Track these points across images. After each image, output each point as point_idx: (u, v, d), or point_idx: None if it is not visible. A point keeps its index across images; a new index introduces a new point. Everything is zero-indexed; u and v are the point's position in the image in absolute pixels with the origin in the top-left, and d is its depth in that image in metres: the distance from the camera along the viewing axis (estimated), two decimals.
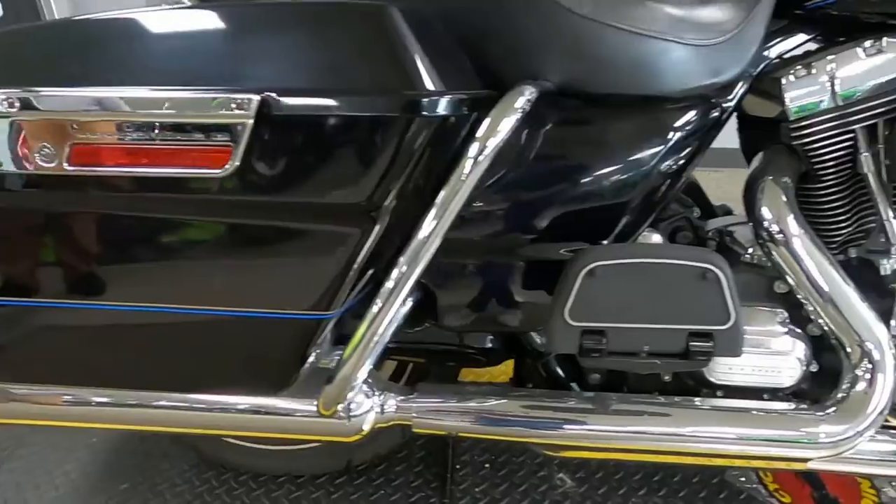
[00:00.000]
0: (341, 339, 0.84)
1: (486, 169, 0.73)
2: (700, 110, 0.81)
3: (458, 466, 1.17)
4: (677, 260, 0.72)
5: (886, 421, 0.90)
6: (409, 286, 0.61)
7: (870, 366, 0.81)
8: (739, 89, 0.83)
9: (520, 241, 0.80)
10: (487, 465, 1.17)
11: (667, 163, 0.81)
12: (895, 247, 0.85)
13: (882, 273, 0.85)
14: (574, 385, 0.93)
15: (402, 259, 0.61)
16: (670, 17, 0.76)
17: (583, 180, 0.82)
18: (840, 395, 0.82)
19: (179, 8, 0.62)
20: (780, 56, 0.85)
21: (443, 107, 0.57)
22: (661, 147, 0.80)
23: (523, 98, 0.61)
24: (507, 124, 0.59)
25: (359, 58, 0.56)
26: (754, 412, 0.83)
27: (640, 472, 1.14)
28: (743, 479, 1.14)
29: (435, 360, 0.98)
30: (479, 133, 0.58)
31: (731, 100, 0.82)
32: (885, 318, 0.84)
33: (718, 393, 0.88)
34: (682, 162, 0.82)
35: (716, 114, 0.82)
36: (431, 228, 0.59)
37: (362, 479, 1.14)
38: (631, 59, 0.74)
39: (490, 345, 0.92)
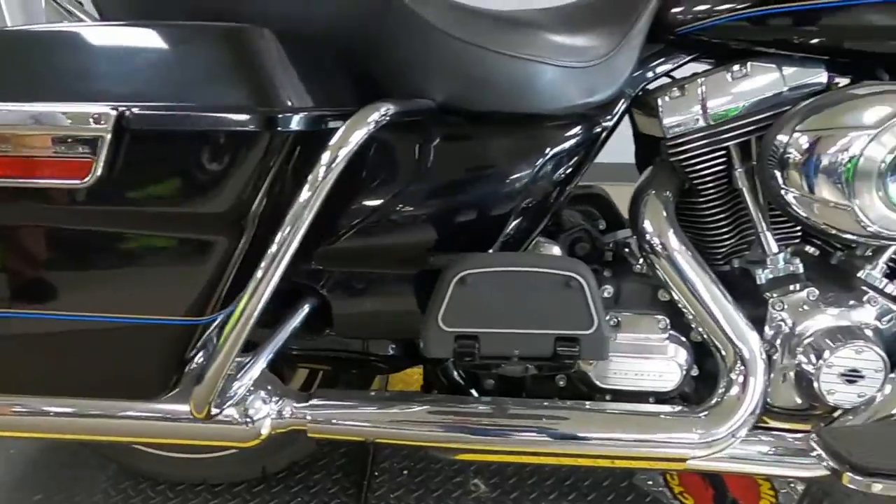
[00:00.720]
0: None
1: (374, 182, 0.77)
2: (578, 128, 0.86)
3: (376, 473, 1.20)
4: (543, 269, 0.76)
5: (765, 422, 0.96)
6: (267, 292, 0.64)
7: (742, 370, 0.86)
8: (619, 108, 0.89)
9: (407, 251, 0.83)
10: (405, 472, 1.20)
11: (548, 176, 0.85)
12: (770, 258, 0.90)
13: (758, 282, 0.91)
14: (474, 391, 0.97)
15: (261, 265, 0.64)
16: (545, 41, 0.81)
17: (466, 193, 0.86)
18: (716, 398, 0.87)
19: (47, 26, 0.65)
20: (659, 76, 0.91)
21: (297, 122, 0.60)
22: (541, 161, 0.85)
23: (377, 114, 0.64)
24: (355, 138, 0.62)
25: (217, 75, 0.59)
26: (635, 414, 0.87)
27: (553, 477, 1.18)
28: (650, 482, 1.18)
29: (340, 367, 1.01)
30: (330, 145, 0.62)
31: (609, 118, 0.88)
32: (760, 324, 0.90)
33: (608, 397, 0.93)
34: (563, 175, 0.87)
35: (595, 131, 0.87)
36: (286, 236, 0.62)
37: (280, 487, 1.16)
38: (507, 79, 0.78)
39: (391, 352, 0.95)
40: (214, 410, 0.68)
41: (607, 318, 0.90)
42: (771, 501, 1.14)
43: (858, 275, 0.90)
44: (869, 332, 0.86)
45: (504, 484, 1.17)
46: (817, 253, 0.97)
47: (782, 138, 0.80)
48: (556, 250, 0.95)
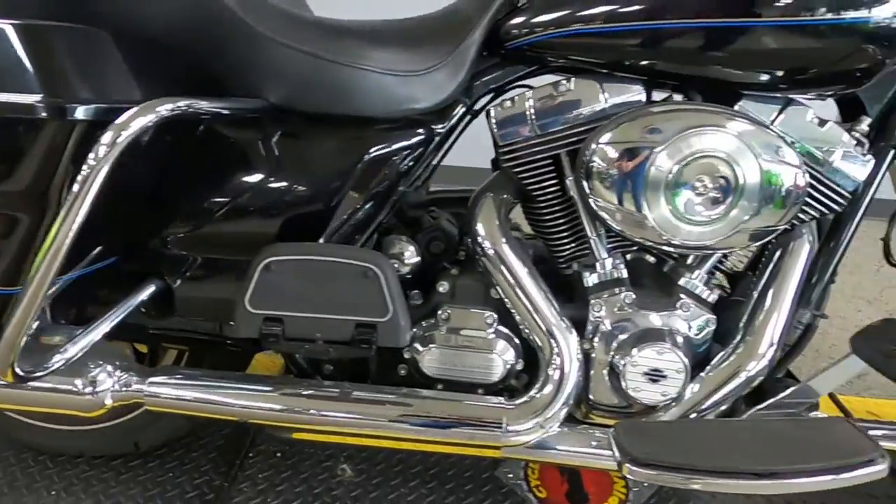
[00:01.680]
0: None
1: (212, 173, 0.83)
2: (409, 131, 0.91)
3: (251, 454, 1.25)
4: (342, 259, 0.82)
5: (591, 418, 1.01)
6: (54, 266, 0.70)
7: (558, 366, 0.91)
8: (455, 115, 0.95)
9: (242, 239, 0.89)
10: (279, 455, 1.25)
11: (379, 175, 0.91)
12: (599, 262, 0.96)
13: (585, 285, 0.96)
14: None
15: (44, 248, 0.70)
16: (370, 50, 0.87)
17: (299, 187, 0.92)
18: (532, 392, 0.92)
19: None
20: (498, 88, 0.97)
21: (83, 112, 0.66)
22: (371, 161, 0.91)
23: (163, 108, 0.70)
24: (132, 128, 0.68)
25: (22, 67, 0.65)
26: (451, 402, 0.92)
27: (419, 466, 1.23)
28: (511, 475, 1.23)
29: (199, 348, 1.06)
30: (103, 138, 0.68)
31: (443, 125, 0.93)
32: (583, 325, 0.95)
33: (439, 386, 0.98)
34: (396, 175, 0.92)
35: (428, 135, 0.93)
36: (66, 215, 0.68)
37: (156, 462, 1.22)
38: (332, 83, 0.85)
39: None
40: (20, 373, 0.74)
41: (441, 311, 0.97)
42: (621, 498, 1.19)
43: (680, 282, 0.95)
44: (675, 336, 0.91)
45: (371, 470, 1.22)
46: (654, 261, 1.03)
47: (589, 151, 0.85)
48: (410, 248, 1.02)
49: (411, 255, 1.02)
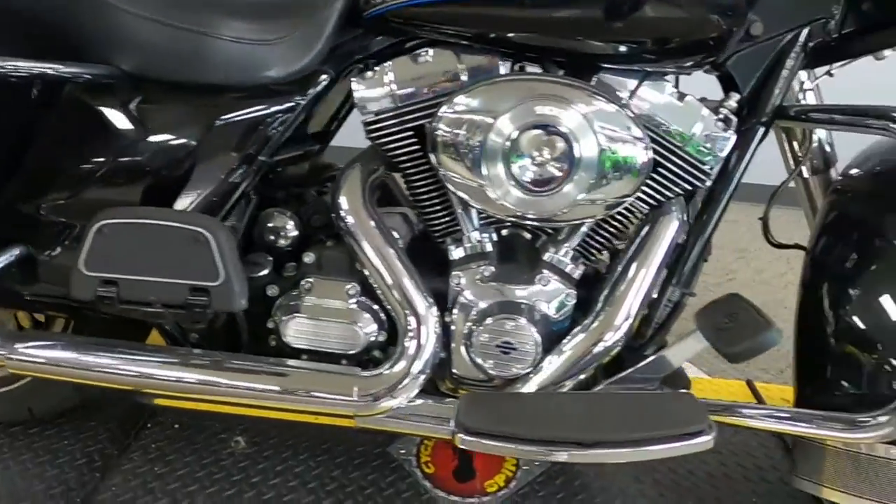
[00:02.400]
0: None
1: (71, 140, 0.84)
2: (265, 101, 0.91)
3: (149, 425, 1.27)
4: (173, 223, 0.82)
5: (459, 392, 1.01)
6: None
7: (413, 339, 0.91)
8: (319, 85, 0.94)
9: (99, 206, 0.90)
10: (177, 426, 1.27)
11: (234, 145, 0.91)
12: (466, 236, 0.96)
13: (450, 259, 0.96)
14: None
15: None
16: (220, 17, 0.87)
17: (152, 155, 0.92)
18: (387, 364, 0.92)
19: None
20: (365, 59, 0.97)
21: None
22: (225, 130, 0.91)
23: None
24: None
25: None
26: (311, 372, 0.93)
27: (311, 440, 1.24)
28: (403, 451, 1.24)
29: (81, 316, 1.08)
30: None
31: (304, 95, 0.93)
32: (444, 299, 0.95)
33: (304, 356, 0.99)
34: (253, 146, 0.93)
35: (289, 105, 0.93)
36: None
37: (54, 430, 1.24)
38: (179, 51, 0.85)
39: None
40: None
41: (304, 282, 0.97)
42: (508, 476, 1.19)
43: (544, 257, 0.95)
44: (530, 309, 0.91)
45: (264, 443, 1.23)
46: (529, 237, 1.02)
47: (434, 122, 0.85)
48: (291, 222, 1.02)
49: (291, 229, 1.03)
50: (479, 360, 0.91)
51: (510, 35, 0.87)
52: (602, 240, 0.99)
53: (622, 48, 0.85)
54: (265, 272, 0.99)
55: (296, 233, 1.02)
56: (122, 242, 0.82)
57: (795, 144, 1.09)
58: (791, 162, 1.09)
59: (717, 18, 0.82)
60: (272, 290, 0.98)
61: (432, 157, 0.91)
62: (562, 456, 0.76)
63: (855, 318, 0.90)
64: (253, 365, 0.91)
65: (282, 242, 1.02)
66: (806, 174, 1.12)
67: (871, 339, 0.88)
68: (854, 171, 1.03)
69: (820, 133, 1.07)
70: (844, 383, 0.91)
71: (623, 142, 0.81)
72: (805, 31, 0.91)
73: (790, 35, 0.91)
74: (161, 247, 0.82)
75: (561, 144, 0.81)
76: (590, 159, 0.81)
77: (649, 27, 0.84)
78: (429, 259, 0.98)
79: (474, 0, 0.86)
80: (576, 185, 0.82)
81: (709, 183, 0.93)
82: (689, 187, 0.92)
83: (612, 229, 0.98)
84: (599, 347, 0.90)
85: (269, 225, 1.02)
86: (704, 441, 0.76)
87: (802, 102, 1.03)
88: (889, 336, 0.87)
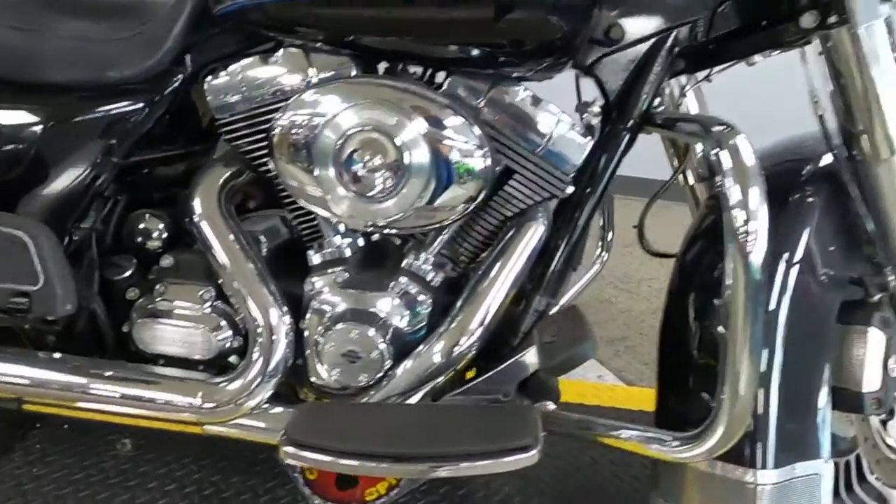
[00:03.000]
0: None
1: None
2: (118, 101, 0.89)
3: (38, 425, 1.26)
4: None
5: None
6: None
7: (263, 346, 0.89)
8: (172, 86, 0.92)
9: None
10: (66, 426, 1.25)
11: (81, 146, 0.90)
12: (326, 241, 0.94)
13: (310, 265, 0.94)
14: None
15: None
16: (63, 17, 0.86)
17: (22, 161, 0.90)
18: (236, 371, 0.91)
19: None
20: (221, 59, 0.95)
21: None
22: (72, 132, 0.89)
23: None
24: None
25: None
26: (159, 377, 0.91)
27: (198, 445, 1.22)
28: None
29: None
30: None
31: (158, 94, 0.91)
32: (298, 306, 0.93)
33: (161, 361, 0.97)
34: (107, 147, 0.90)
35: (139, 105, 0.91)
36: None
37: None
38: (25, 52, 0.84)
39: None
40: None
41: (159, 286, 0.96)
42: (391, 484, 1.16)
43: (403, 264, 0.93)
44: (379, 317, 0.89)
45: (150, 446, 1.21)
46: (399, 243, 1.00)
47: (274, 125, 0.83)
48: (160, 224, 1.00)
49: (161, 231, 1.01)
50: (328, 369, 0.89)
51: (355, 37, 0.84)
52: (470, 246, 0.97)
53: (469, 51, 0.83)
54: (126, 275, 0.97)
55: (165, 235, 1.01)
56: None
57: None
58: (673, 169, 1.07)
59: (559, 20, 0.79)
60: (132, 294, 0.97)
61: (271, 162, 0.89)
62: (377, 470, 0.74)
63: (717, 330, 0.88)
64: (97, 370, 0.89)
65: (151, 244, 1.00)
66: (691, 181, 1.10)
67: None
68: None
69: None
70: (704, 395, 0.88)
71: (458, 148, 0.79)
72: (671, 36, 0.89)
73: (654, 39, 0.89)
74: None
75: (392, 150, 0.78)
76: (421, 165, 0.78)
77: (494, 30, 0.81)
78: (298, 265, 0.97)
79: (321, 1, 0.84)
80: (410, 191, 0.80)
81: (569, 189, 0.91)
82: (547, 194, 0.89)
83: (477, 236, 0.95)
84: (452, 355, 0.88)
85: (138, 227, 1.00)
86: (527, 457, 0.73)
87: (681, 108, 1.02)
88: None
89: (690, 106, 1.07)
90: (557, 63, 0.86)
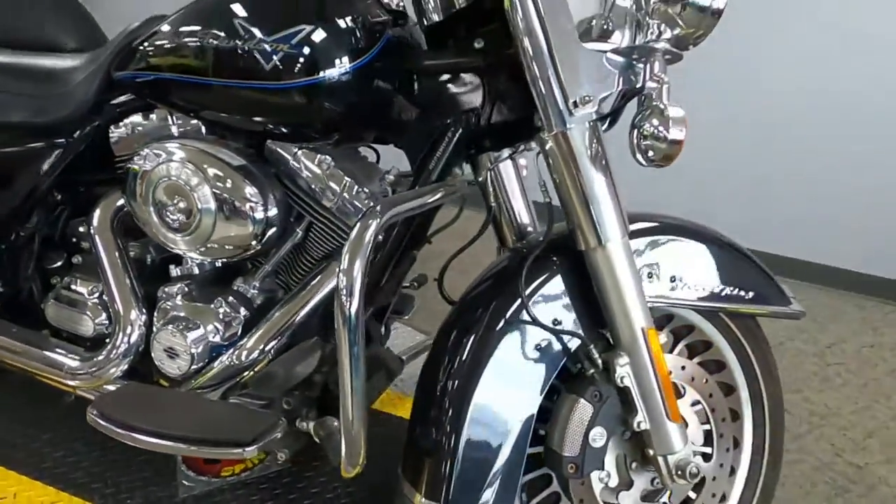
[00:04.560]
0: None
1: None
2: (49, 140, 1.22)
3: None
4: None
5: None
6: None
7: (119, 334, 1.15)
8: (84, 131, 1.21)
9: None
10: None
11: (16, 174, 1.22)
12: (185, 259, 1.18)
13: (170, 275, 1.19)
14: None
15: None
16: (14, 78, 1.18)
17: None
18: (100, 351, 1.17)
19: None
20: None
21: None
22: (18, 159, 1.22)
23: None
24: None
25: None
26: (48, 346, 1.21)
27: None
28: None
29: None
30: None
31: (71, 138, 1.21)
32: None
33: (64, 335, 1.26)
34: (32, 175, 1.22)
35: (58, 142, 1.22)
36: None
37: None
38: None
39: None
40: None
41: (67, 276, 1.25)
42: (248, 466, 1.37)
43: (233, 283, 1.15)
44: (196, 324, 1.10)
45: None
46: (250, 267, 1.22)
47: (127, 169, 1.09)
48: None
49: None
50: (156, 359, 1.13)
51: (195, 110, 1.09)
52: (296, 277, 1.17)
53: (270, 128, 1.04)
54: (53, 266, 1.29)
55: None
56: None
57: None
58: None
59: (328, 105, 0.97)
60: (54, 280, 1.29)
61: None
62: (127, 438, 0.95)
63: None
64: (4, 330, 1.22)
65: (83, 245, 1.31)
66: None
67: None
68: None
69: (517, 205, 1.16)
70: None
71: (237, 199, 1.00)
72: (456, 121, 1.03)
73: (439, 122, 1.04)
74: None
75: (188, 197, 1.01)
76: (208, 211, 1.01)
77: (277, 113, 1.01)
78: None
79: (179, 83, 1.07)
80: (202, 230, 1.02)
81: None
82: (340, 239, 1.07)
83: (299, 269, 1.15)
84: (242, 363, 1.08)
85: (73, 230, 1.32)
86: (236, 452, 0.92)
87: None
88: None
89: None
90: (346, 139, 1.05)
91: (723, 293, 1.05)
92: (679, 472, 0.97)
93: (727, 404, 1.13)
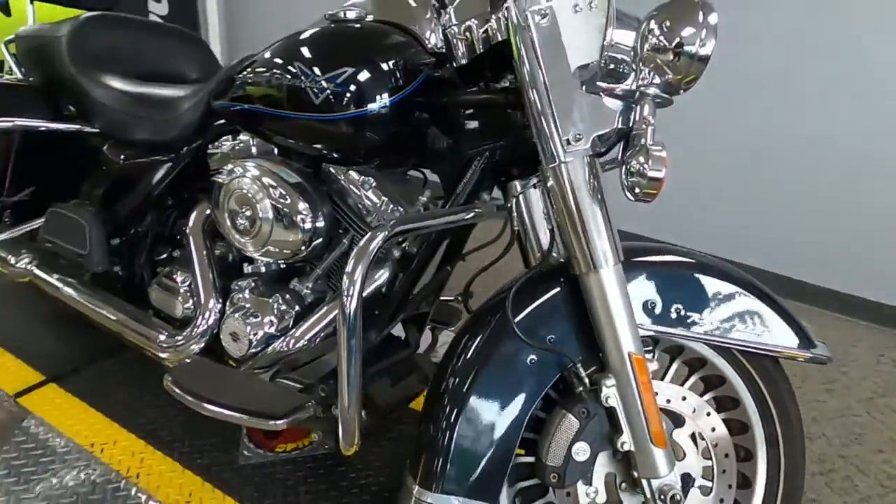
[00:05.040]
0: None
1: None
2: (164, 153, 1.51)
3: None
4: (67, 212, 1.42)
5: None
6: None
7: (199, 317, 1.38)
8: (192, 145, 1.48)
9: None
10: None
11: (144, 180, 1.51)
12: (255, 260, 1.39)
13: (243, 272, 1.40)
14: None
15: None
16: (156, 107, 1.48)
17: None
18: (185, 329, 1.40)
19: None
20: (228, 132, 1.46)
21: None
22: (139, 167, 1.49)
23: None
24: None
25: None
26: (144, 319, 1.47)
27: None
28: None
29: None
30: None
31: (185, 151, 1.49)
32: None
33: (162, 314, 1.51)
34: (153, 179, 1.50)
35: (174, 156, 1.49)
36: None
37: None
38: (124, 124, 1.48)
39: None
40: None
41: (167, 267, 1.51)
42: (299, 447, 1.55)
43: (290, 283, 1.33)
44: (255, 315, 1.29)
45: None
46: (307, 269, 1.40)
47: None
48: None
49: None
50: (224, 341, 1.34)
51: (266, 134, 1.28)
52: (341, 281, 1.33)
53: (327, 153, 1.20)
54: (160, 257, 1.57)
55: None
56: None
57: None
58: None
59: (370, 134, 1.12)
60: (159, 269, 1.55)
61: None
62: (187, 402, 1.15)
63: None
64: (105, 300, 1.51)
65: (183, 242, 1.57)
66: None
67: None
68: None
69: (540, 229, 1.24)
70: None
71: (288, 211, 1.18)
72: (482, 152, 1.14)
73: (468, 152, 1.15)
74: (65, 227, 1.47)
75: (253, 207, 1.21)
76: (267, 219, 1.20)
77: (334, 141, 1.17)
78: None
79: (256, 113, 1.27)
80: (262, 235, 1.21)
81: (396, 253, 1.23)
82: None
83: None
84: (290, 350, 1.26)
85: (177, 230, 1.59)
86: (269, 423, 1.08)
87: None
88: None
89: None
90: (387, 164, 1.20)
91: (732, 330, 1.06)
92: (661, 497, 1.00)
93: (735, 441, 1.13)
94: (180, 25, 1.80)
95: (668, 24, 0.87)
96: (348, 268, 0.95)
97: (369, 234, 0.96)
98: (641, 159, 0.88)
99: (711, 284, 1.08)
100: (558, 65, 0.92)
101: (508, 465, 1.01)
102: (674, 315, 1.05)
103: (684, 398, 1.09)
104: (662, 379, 1.09)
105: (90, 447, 1.54)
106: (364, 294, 1.20)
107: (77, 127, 1.54)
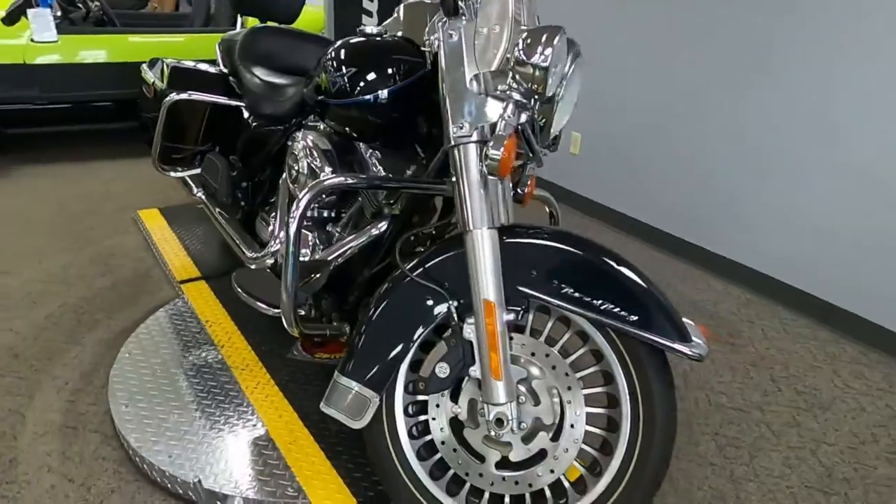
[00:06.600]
0: None
1: None
2: (275, 125, 2.04)
3: None
4: None
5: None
6: None
7: (273, 238, 1.91)
8: (292, 123, 1.99)
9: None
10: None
11: (267, 145, 2.08)
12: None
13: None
14: None
15: None
16: (261, 87, 2.03)
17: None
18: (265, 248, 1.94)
19: None
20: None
21: None
22: (256, 134, 2.07)
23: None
24: None
25: None
26: (246, 244, 2.03)
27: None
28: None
29: None
30: None
31: (284, 126, 2.01)
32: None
33: (258, 239, 2.08)
34: (267, 144, 2.06)
35: (282, 129, 2.02)
36: None
37: None
38: (258, 102, 2.07)
39: None
40: None
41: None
42: (332, 357, 1.99)
43: (327, 224, 1.78)
44: (323, 238, 1.76)
45: None
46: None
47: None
48: None
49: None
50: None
51: (318, 114, 1.74)
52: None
53: (351, 130, 1.62)
54: (269, 200, 2.15)
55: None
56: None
57: None
58: None
59: (371, 118, 1.50)
60: (263, 206, 2.14)
61: None
62: (243, 298, 1.66)
63: None
64: (233, 227, 2.11)
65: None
66: None
67: None
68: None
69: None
70: None
71: (316, 169, 1.62)
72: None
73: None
74: (212, 169, 2.11)
75: (299, 162, 1.67)
76: (303, 173, 1.66)
77: (348, 121, 1.58)
78: None
79: (337, 108, 1.73)
80: (301, 183, 1.67)
81: None
82: (378, 207, 1.60)
83: None
84: (314, 261, 1.71)
85: (278, 177, 2.16)
86: (270, 310, 1.55)
87: None
88: None
89: None
90: (386, 142, 1.58)
91: (602, 306, 1.22)
92: (497, 422, 1.22)
93: (609, 413, 1.28)
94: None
95: (528, 42, 1.11)
96: (294, 208, 1.37)
97: (314, 184, 1.39)
98: (491, 144, 1.13)
99: (582, 259, 1.25)
100: (456, 71, 1.22)
101: (396, 369, 1.33)
102: (541, 280, 1.25)
103: (547, 355, 1.28)
104: (532, 335, 1.30)
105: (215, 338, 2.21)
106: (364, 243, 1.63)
107: (237, 103, 2.20)
